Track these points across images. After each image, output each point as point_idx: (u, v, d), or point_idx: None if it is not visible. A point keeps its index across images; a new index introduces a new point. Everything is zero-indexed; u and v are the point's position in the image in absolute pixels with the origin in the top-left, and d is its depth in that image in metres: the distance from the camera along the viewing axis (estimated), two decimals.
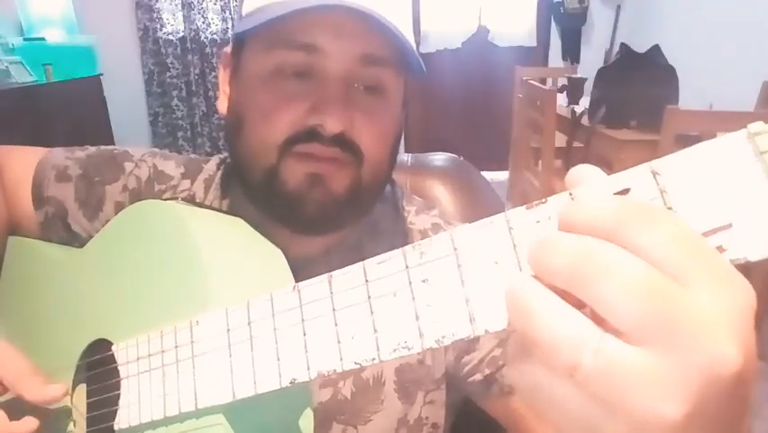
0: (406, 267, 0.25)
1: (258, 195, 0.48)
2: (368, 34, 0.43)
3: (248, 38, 0.47)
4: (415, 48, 0.46)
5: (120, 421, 0.38)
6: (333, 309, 0.27)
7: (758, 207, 0.18)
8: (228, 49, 0.52)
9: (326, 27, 0.43)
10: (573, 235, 0.20)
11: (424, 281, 0.25)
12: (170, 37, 3.32)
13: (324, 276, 0.28)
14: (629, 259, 0.18)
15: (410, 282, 0.25)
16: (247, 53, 0.48)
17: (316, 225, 0.47)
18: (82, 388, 0.46)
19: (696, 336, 0.17)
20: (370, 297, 0.26)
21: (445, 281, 0.24)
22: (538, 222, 0.22)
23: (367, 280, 0.26)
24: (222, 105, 0.52)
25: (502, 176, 3.27)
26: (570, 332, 0.19)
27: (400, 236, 0.57)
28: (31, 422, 0.39)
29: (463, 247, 0.24)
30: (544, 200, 0.22)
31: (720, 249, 0.19)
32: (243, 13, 0.48)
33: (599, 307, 0.18)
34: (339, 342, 0.27)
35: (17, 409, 0.39)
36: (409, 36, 0.46)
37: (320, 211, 0.45)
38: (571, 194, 0.21)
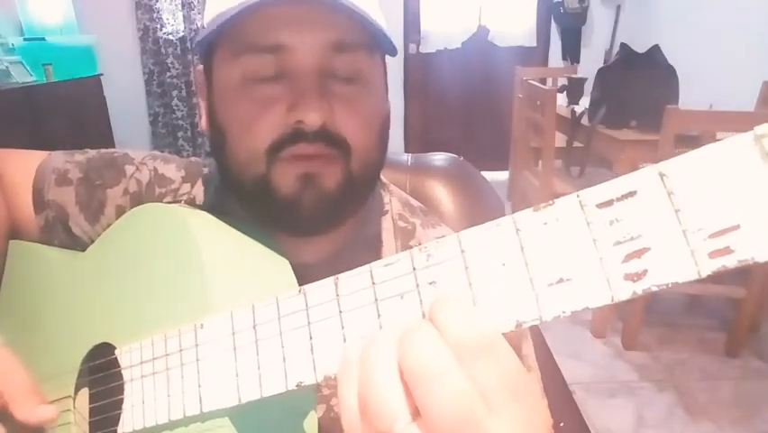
0: (414, 269, 0.25)
1: (252, 203, 0.47)
2: (331, 21, 0.41)
3: (216, 49, 0.46)
4: (382, 26, 0.44)
5: (123, 425, 0.37)
6: (340, 312, 0.27)
7: (765, 208, 0.18)
8: (200, 67, 0.50)
9: (288, 23, 0.41)
10: (431, 338, 0.22)
11: (431, 283, 0.24)
12: (170, 37, 3.32)
13: (331, 279, 0.28)
14: (457, 377, 0.21)
15: (417, 285, 0.25)
16: (217, 65, 0.46)
17: (314, 225, 0.46)
18: (84, 392, 0.45)
19: None
20: (377, 299, 0.26)
21: (453, 284, 0.24)
22: (545, 224, 0.22)
23: (374, 283, 0.26)
24: (203, 123, 0.50)
25: (502, 176, 3.27)
26: (392, 404, 0.22)
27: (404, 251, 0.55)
28: None
29: (471, 249, 0.24)
30: (551, 202, 0.22)
31: (728, 250, 0.19)
32: (205, 25, 0.46)
33: (420, 406, 0.22)
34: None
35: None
36: (375, 13, 0.44)
37: (316, 211, 0.44)
38: (578, 196, 0.21)
